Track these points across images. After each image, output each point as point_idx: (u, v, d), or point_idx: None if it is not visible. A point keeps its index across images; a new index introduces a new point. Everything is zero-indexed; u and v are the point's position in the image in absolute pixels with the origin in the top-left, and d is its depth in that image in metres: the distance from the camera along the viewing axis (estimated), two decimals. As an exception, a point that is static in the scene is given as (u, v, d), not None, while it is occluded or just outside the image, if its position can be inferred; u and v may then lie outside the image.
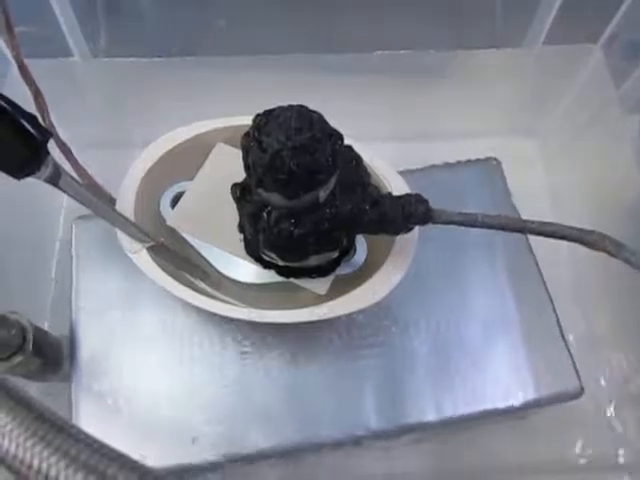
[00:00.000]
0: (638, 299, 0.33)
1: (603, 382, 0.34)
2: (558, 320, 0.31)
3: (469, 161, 0.36)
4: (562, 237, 0.23)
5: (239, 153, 0.23)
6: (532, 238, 0.33)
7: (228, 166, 0.26)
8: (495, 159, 0.36)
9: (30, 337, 0.26)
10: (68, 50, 0.35)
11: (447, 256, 0.33)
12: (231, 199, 0.27)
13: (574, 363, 0.30)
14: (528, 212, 0.32)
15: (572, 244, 0.23)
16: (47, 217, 0.38)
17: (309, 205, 0.23)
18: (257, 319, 0.27)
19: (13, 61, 0.25)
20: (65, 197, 0.39)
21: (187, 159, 0.30)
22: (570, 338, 0.31)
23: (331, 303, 0.27)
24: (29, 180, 0.23)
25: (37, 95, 0.26)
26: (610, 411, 0.34)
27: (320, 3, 0.35)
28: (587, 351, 0.34)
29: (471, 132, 0.41)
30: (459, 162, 0.36)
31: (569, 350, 0.31)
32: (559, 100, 0.41)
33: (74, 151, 0.30)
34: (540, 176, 0.42)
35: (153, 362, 0.30)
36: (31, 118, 0.21)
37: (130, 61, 0.36)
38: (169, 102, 0.36)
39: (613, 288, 0.35)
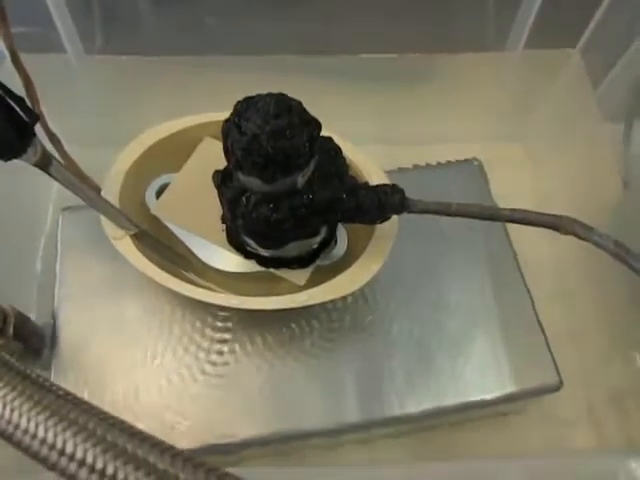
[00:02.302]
0: (617, 292, 0.33)
1: (582, 375, 0.34)
2: (537, 313, 0.32)
3: (451, 162, 0.36)
4: (533, 223, 0.24)
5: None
6: (512, 231, 0.33)
7: (214, 160, 0.27)
8: (477, 160, 0.37)
9: (11, 320, 0.27)
10: (62, 47, 0.35)
11: (426, 248, 0.33)
12: (216, 191, 0.27)
13: (553, 356, 0.31)
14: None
15: (552, 236, 0.24)
16: (35, 208, 0.39)
17: (287, 190, 0.24)
18: (237, 305, 0.27)
19: (5, 52, 0.26)
20: (54, 189, 0.40)
21: (174, 153, 0.31)
22: (549, 331, 0.31)
23: (310, 291, 0.27)
24: (19, 171, 0.23)
25: (28, 84, 0.27)
26: (589, 404, 0.34)
27: (307, 6, 0.36)
28: (566, 344, 0.34)
29: (454, 135, 0.41)
30: (441, 163, 0.36)
31: (548, 343, 0.31)
32: (540, 103, 0.41)
33: (64, 146, 0.31)
34: (524, 179, 0.42)
35: (135, 351, 0.30)
36: (19, 99, 0.22)
37: (124, 59, 0.37)
38: (162, 100, 0.36)
39: (592, 281, 0.36)
